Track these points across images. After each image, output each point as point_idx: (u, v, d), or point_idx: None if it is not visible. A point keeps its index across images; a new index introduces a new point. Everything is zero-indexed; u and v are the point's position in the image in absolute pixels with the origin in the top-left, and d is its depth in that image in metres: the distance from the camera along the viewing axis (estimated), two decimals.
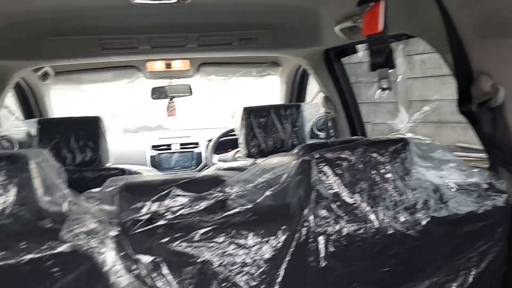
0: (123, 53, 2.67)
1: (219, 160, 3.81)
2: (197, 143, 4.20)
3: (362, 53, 3.10)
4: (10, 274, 1.36)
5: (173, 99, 4.13)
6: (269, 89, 4.27)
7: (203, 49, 2.69)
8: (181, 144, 4.20)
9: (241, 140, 2.98)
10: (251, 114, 2.90)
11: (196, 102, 4.56)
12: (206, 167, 3.87)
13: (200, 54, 3.07)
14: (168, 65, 3.57)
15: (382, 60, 1.47)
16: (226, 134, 3.90)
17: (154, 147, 4.19)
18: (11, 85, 2.91)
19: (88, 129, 2.70)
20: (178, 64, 3.58)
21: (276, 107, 2.99)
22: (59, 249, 1.38)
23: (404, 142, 1.58)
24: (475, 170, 1.65)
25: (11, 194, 1.42)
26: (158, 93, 4.07)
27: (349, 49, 3.02)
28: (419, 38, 1.92)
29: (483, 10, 1.47)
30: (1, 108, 2.95)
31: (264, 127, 2.90)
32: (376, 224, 1.49)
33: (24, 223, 1.42)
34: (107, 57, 2.75)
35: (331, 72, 3.06)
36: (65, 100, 4.04)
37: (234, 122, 3.13)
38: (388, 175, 1.53)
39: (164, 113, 4.29)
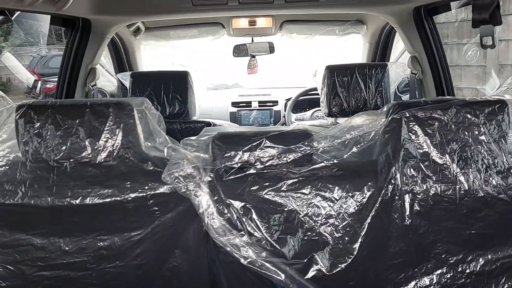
0: (211, 9, 2.74)
1: (296, 119, 3.84)
2: (276, 101, 4.25)
3: (450, 13, 2.91)
4: (117, 210, 1.53)
5: (255, 57, 4.18)
6: (351, 49, 4.17)
7: (289, 6, 2.69)
8: (260, 102, 4.27)
9: (323, 98, 2.98)
10: (334, 72, 2.88)
11: (277, 61, 4.57)
12: (284, 126, 3.92)
13: (286, 11, 3.07)
14: (252, 23, 3.60)
15: (486, 16, 1.39)
16: (305, 93, 3.90)
17: (234, 104, 4.30)
18: (108, 39, 3.12)
19: (178, 83, 2.84)
20: (261, 22, 3.61)
21: (360, 66, 2.93)
22: (160, 190, 1.52)
23: (502, 104, 1.51)
24: None
25: (118, 138, 1.57)
26: (239, 50, 4.13)
27: (442, 7, 2.85)
28: None
29: None
30: (98, 61, 3.18)
31: (347, 86, 2.87)
32: (465, 186, 1.47)
33: (129, 164, 1.57)
34: (197, 13, 2.84)
35: (421, 31, 2.93)
36: (152, 55, 4.23)
37: (316, 80, 3.12)
38: (482, 137, 1.48)
39: (243, 72, 4.37)
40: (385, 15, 3.07)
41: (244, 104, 4.30)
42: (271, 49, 4.08)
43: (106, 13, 2.71)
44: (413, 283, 1.48)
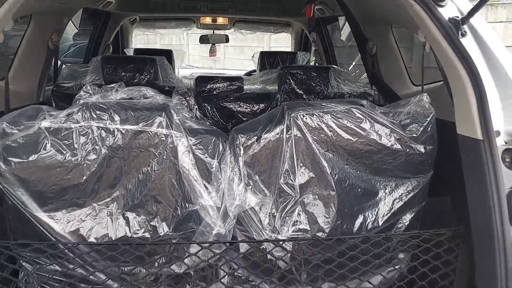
0: (189, 11, 4.44)
1: None
2: None
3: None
4: None
5: (215, 45, 5.90)
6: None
7: (238, 12, 4.46)
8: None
9: (257, 72, 4.76)
10: (264, 56, 4.66)
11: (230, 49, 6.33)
12: None
13: (236, 15, 4.83)
14: (214, 20, 5.31)
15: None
16: (249, 73, 5.67)
17: None
18: (118, 27, 4.74)
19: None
20: (220, 20, 5.32)
21: (280, 53, 4.73)
22: None
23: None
24: None
25: None
26: (204, 39, 5.83)
27: (332, 19, 4.69)
28: None
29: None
30: (111, 40, 4.78)
31: (271, 64, 4.64)
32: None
33: None
34: (179, 13, 4.53)
35: (320, 34, 4.77)
36: (140, 39, 5.86)
37: (254, 60, 4.88)
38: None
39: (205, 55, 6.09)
40: (300, 23, 4.89)
41: None
42: (227, 39, 5.81)
43: (122, 10, 4.34)
44: None
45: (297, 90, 3.26)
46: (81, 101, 1.95)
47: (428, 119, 2.05)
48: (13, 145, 1.81)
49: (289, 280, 2.01)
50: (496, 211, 1.71)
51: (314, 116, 1.99)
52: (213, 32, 5.74)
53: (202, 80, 3.29)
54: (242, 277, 2.10)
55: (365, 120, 2.02)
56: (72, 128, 1.84)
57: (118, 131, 1.87)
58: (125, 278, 1.98)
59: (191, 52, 14.09)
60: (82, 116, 1.87)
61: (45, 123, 1.83)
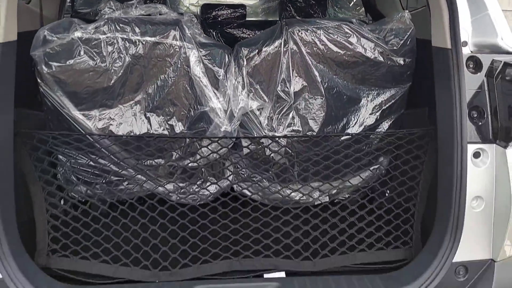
0: None
1: None
2: None
3: None
4: None
5: None
6: None
7: None
8: None
9: None
10: None
11: None
12: None
13: None
14: None
15: None
16: None
17: None
18: None
19: None
20: None
21: None
22: None
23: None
24: None
25: None
26: None
27: None
28: None
29: None
30: None
31: None
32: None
33: None
34: None
35: None
36: None
37: None
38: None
39: None
40: None
41: None
42: None
43: None
44: None
45: (297, 17, 3.52)
46: (106, 16, 2.25)
47: (408, 33, 2.35)
48: (52, 52, 2.14)
49: (284, 178, 2.40)
50: (457, 109, 2.05)
51: (309, 31, 2.29)
52: None
53: (207, 7, 3.54)
54: (245, 175, 2.48)
55: (353, 35, 2.32)
56: (100, 38, 2.16)
57: (139, 42, 2.19)
58: (146, 171, 2.37)
59: None
60: (108, 28, 2.18)
61: (77, 33, 2.15)
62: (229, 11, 3.50)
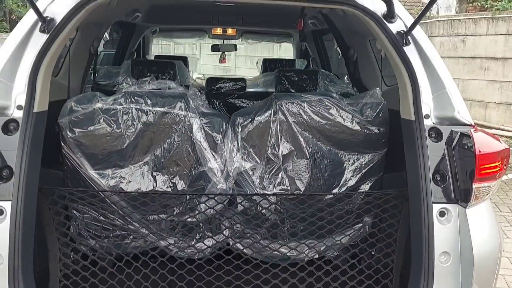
0: (203, 23, 5.17)
1: None
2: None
3: None
4: None
5: (224, 53, 6.64)
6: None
7: (245, 25, 5.17)
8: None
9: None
10: (267, 62, 5.36)
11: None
12: None
13: (243, 28, 5.56)
14: (224, 31, 6.04)
15: None
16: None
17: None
18: (141, 37, 5.49)
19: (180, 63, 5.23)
20: (229, 31, 6.05)
21: (280, 59, 5.43)
22: None
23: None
24: None
25: None
26: (215, 48, 6.57)
27: (326, 30, 5.38)
28: None
29: None
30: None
31: (272, 69, 5.33)
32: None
33: None
34: (195, 25, 5.26)
35: (317, 43, 5.46)
36: (156, 47, 6.61)
37: (258, 66, 5.58)
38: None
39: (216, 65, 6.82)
40: (297, 34, 5.60)
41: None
42: (235, 48, 6.54)
43: (146, 21, 5.09)
44: None
45: (290, 89, 3.95)
46: (123, 90, 2.66)
47: (380, 107, 2.71)
48: (76, 120, 2.52)
49: (275, 233, 2.67)
50: (422, 172, 2.36)
51: (294, 103, 2.67)
52: (223, 42, 6.48)
53: (212, 80, 4.00)
54: (239, 230, 2.76)
55: (333, 107, 2.69)
56: (117, 109, 2.55)
57: (150, 111, 2.57)
58: (150, 226, 2.66)
59: (203, 62, 14.92)
60: (124, 100, 2.58)
61: (99, 104, 2.54)
62: (230, 83, 3.95)
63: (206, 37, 6.33)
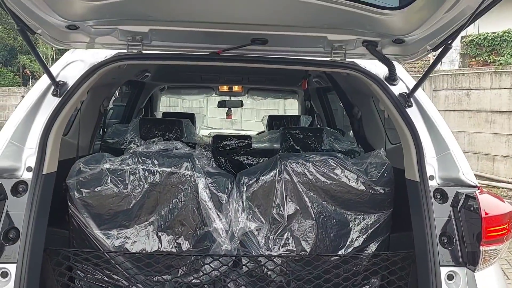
0: (210, 82, 5.32)
1: None
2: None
3: None
4: None
5: (231, 109, 6.78)
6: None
7: (250, 83, 5.31)
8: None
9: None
10: (272, 118, 5.45)
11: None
12: None
13: (249, 85, 5.71)
14: (230, 88, 6.20)
15: None
16: (260, 133, 6.45)
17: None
18: (150, 94, 5.64)
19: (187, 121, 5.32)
20: (236, 88, 6.21)
21: (285, 116, 5.52)
22: None
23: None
24: None
25: None
26: (222, 104, 6.71)
27: (330, 88, 5.51)
28: None
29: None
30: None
31: (278, 125, 5.41)
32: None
33: None
34: (201, 83, 5.42)
35: (322, 100, 5.57)
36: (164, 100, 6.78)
37: (263, 123, 5.67)
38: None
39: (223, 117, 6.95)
40: (303, 92, 5.73)
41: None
42: (241, 104, 6.68)
43: (155, 80, 5.25)
44: None
45: (296, 147, 3.99)
46: (131, 150, 2.71)
47: (384, 167, 2.73)
48: (84, 180, 2.56)
49: None
50: (428, 234, 2.34)
51: (299, 163, 2.70)
52: (230, 98, 6.63)
53: (218, 138, 4.06)
54: None
55: (337, 167, 2.71)
56: (125, 169, 2.59)
57: (157, 171, 2.61)
58: (154, 287, 2.62)
59: (210, 115, 15.19)
60: (132, 161, 2.62)
61: (106, 165, 2.59)
62: (236, 141, 4.00)
63: (213, 94, 6.49)
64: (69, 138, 3.16)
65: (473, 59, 15.37)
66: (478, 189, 2.39)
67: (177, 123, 4.04)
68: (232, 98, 6.61)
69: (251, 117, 16.17)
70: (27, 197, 2.19)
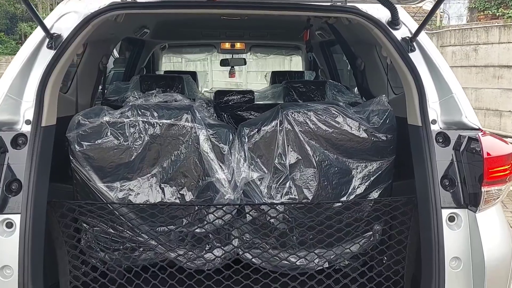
0: (211, 38, 5.23)
1: None
2: None
3: None
4: None
5: (234, 67, 6.70)
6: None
7: (253, 39, 5.21)
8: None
9: None
10: (275, 74, 5.38)
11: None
12: None
13: (252, 41, 5.61)
14: (232, 45, 6.10)
15: None
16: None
17: None
18: (150, 53, 5.57)
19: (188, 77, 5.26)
20: (238, 45, 6.11)
21: (288, 71, 5.45)
22: None
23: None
24: None
25: None
26: (224, 62, 6.63)
27: (333, 41, 5.40)
28: None
29: None
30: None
31: (281, 81, 5.34)
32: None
33: None
34: (203, 40, 5.33)
35: (325, 54, 5.47)
36: (167, 65, 6.71)
37: (267, 79, 5.60)
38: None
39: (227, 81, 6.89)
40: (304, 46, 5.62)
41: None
42: (244, 62, 6.59)
43: (155, 38, 5.17)
44: None
45: (299, 100, 3.95)
46: (130, 103, 2.69)
47: (386, 114, 2.70)
48: (84, 133, 2.56)
49: (284, 242, 2.65)
50: (430, 177, 2.33)
51: (300, 112, 2.67)
52: (232, 56, 6.54)
53: (220, 93, 4.02)
54: (248, 240, 2.74)
55: (339, 116, 2.68)
56: (124, 122, 2.58)
57: (157, 124, 2.59)
58: (160, 238, 2.66)
59: (214, 78, 15.07)
60: (131, 113, 2.61)
61: (106, 118, 2.58)
62: (238, 96, 3.96)
63: (215, 52, 6.39)
64: (70, 96, 3.15)
65: (481, 13, 14.96)
66: (481, 132, 2.36)
67: (178, 79, 4.00)
68: (235, 56, 6.52)
69: (256, 79, 16.02)
70: (27, 149, 2.20)
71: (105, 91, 4.08)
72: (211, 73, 15.31)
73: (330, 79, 5.46)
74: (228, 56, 6.53)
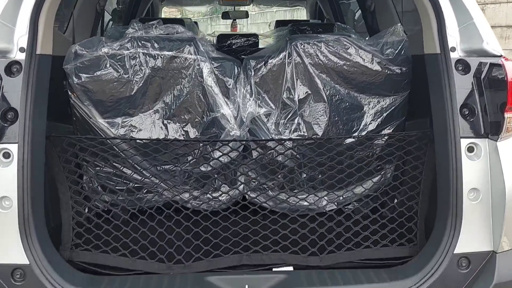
0: None
1: None
2: None
3: None
4: None
5: (236, 20, 6.48)
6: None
7: None
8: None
9: None
10: (280, 23, 5.18)
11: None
12: None
13: None
14: None
15: None
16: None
17: None
18: (148, 4, 5.35)
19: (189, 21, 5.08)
20: None
21: (295, 21, 5.24)
22: None
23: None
24: None
25: None
26: (226, 15, 6.40)
27: None
28: None
29: None
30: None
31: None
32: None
33: None
34: None
35: (331, 4, 5.25)
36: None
37: (271, 28, 5.41)
38: None
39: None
40: None
41: None
42: (246, 14, 6.37)
43: None
44: None
45: None
46: (130, 35, 2.54)
47: (402, 44, 2.55)
48: (82, 66, 2.42)
49: (291, 179, 2.54)
50: (449, 106, 2.20)
51: (310, 44, 2.52)
52: (234, 9, 6.31)
53: (223, 37, 3.86)
54: (255, 177, 2.63)
55: (351, 47, 2.54)
56: (124, 53, 2.44)
57: (158, 56, 2.45)
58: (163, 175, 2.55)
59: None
60: (131, 45, 2.46)
61: (105, 49, 2.43)
62: (242, 39, 3.80)
63: (216, 3, 6.16)
64: (68, 36, 3.00)
65: None
66: (504, 58, 2.22)
67: (178, 22, 3.82)
68: (237, 8, 6.29)
69: (259, 32, 15.64)
70: (22, 77, 2.07)
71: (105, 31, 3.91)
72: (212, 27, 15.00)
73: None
74: (230, 9, 6.31)
